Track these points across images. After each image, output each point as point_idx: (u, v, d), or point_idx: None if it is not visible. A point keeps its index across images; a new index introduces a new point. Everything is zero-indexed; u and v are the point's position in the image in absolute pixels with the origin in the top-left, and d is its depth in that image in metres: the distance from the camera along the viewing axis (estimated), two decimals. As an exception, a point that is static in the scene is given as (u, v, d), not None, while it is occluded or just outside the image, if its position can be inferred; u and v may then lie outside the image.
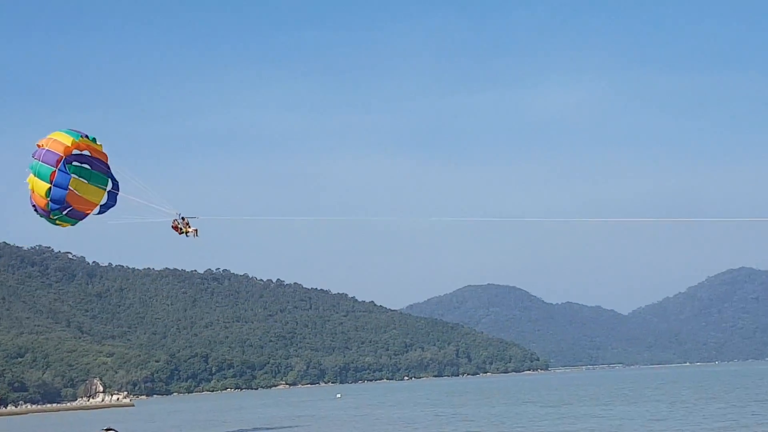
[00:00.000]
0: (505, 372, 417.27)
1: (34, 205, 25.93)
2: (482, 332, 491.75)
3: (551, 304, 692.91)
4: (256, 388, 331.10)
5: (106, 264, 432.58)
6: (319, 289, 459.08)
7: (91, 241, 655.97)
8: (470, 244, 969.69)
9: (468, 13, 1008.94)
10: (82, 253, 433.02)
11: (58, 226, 27.86)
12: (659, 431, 52.14)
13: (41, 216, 26.00)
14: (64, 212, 26.40)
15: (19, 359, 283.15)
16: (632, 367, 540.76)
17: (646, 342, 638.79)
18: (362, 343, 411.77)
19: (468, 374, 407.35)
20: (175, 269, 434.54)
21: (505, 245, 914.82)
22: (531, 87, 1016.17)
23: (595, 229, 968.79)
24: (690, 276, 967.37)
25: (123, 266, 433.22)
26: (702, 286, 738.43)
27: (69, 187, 25.85)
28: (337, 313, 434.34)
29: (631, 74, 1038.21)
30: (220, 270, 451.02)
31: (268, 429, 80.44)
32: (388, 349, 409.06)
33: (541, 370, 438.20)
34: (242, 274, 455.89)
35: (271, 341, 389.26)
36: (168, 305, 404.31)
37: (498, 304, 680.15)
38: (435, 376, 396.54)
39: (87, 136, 26.57)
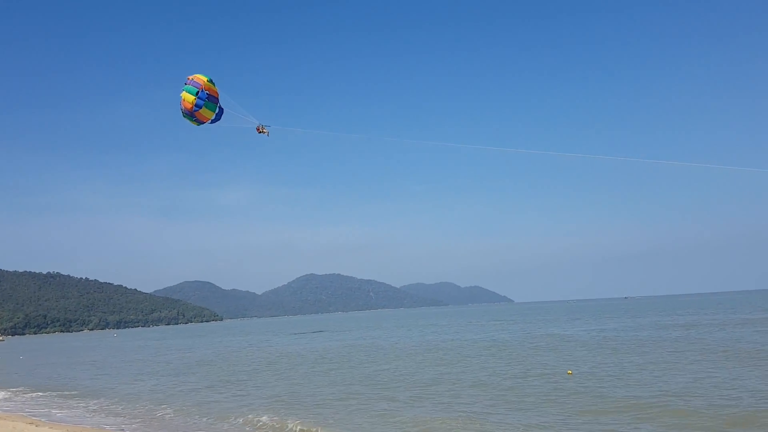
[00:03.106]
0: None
1: (182, 110, 32.61)
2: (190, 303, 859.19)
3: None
4: (72, 332, 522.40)
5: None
6: (106, 282, 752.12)
7: None
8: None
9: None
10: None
11: (191, 123, 35.49)
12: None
13: (184, 116, 32.92)
14: (194, 118, 35.10)
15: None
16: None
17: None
18: (130, 309, 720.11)
19: (183, 324, 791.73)
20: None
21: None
22: (219, 188, 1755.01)
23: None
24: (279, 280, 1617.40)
25: None
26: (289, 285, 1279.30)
27: (201, 105, 34.47)
28: (116, 294, 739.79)
29: (269, 187, 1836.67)
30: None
31: (72, 348, 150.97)
32: (143, 312, 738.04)
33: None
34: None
35: (80, 308, 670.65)
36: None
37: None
38: (166, 325, 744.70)
39: (211, 80, 33.27)
